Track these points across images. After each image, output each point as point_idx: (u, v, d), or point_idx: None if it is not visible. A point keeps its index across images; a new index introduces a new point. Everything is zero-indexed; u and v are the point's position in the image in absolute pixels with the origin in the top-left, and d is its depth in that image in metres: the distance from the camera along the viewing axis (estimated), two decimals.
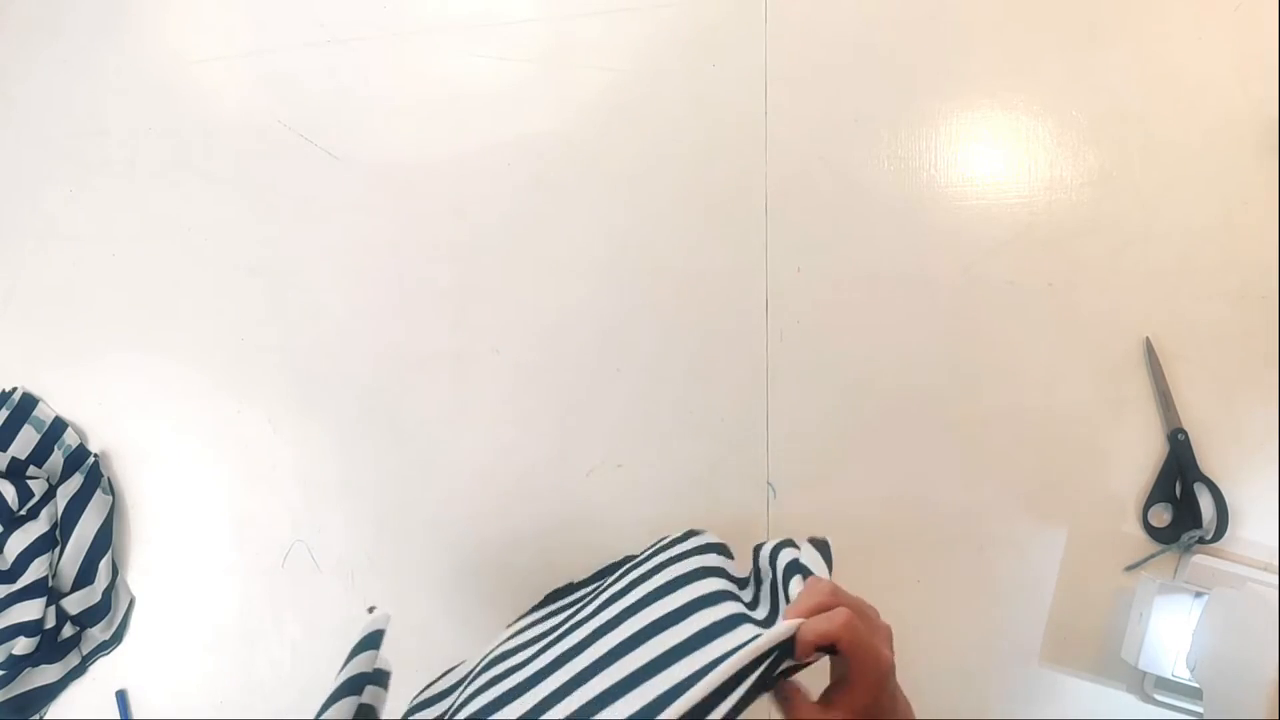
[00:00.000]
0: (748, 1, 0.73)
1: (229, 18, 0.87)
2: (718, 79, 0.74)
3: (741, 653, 0.37)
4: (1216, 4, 0.64)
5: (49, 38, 0.92)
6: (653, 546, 0.58)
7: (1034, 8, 0.68)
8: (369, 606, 0.58)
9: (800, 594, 0.42)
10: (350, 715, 0.48)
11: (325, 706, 0.49)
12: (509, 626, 0.59)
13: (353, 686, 0.50)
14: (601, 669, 0.44)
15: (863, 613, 0.40)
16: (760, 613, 0.47)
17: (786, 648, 0.38)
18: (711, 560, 0.52)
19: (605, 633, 0.47)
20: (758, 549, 0.54)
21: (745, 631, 0.41)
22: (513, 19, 0.79)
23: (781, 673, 0.38)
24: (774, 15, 0.72)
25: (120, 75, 0.90)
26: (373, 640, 0.54)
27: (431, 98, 0.81)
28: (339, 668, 0.53)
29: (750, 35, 0.73)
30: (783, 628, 0.38)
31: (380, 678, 0.53)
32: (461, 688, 0.53)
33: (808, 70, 0.72)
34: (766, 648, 0.37)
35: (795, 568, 0.47)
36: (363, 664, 0.52)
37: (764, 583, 0.51)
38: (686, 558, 0.52)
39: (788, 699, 0.40)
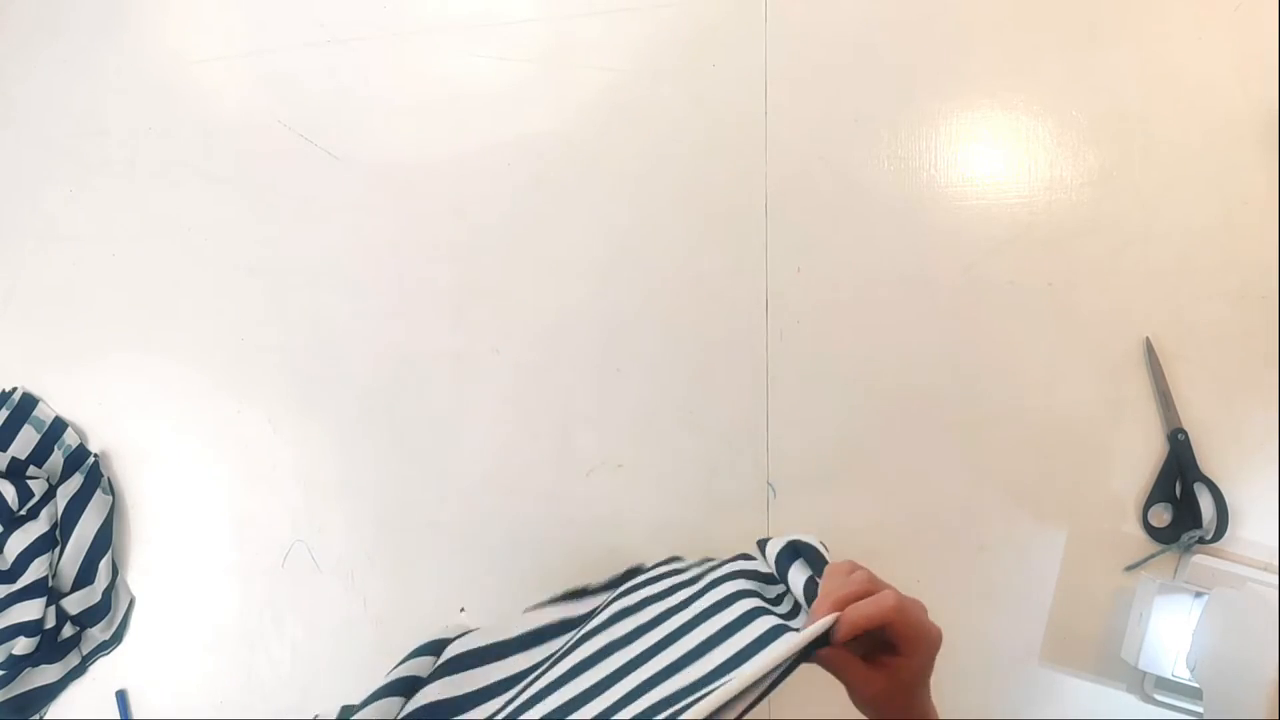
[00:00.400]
0: (748, 1, 0.73)
1: (229, 18, 0.87)
2: (718, 79, 0.74)
3: (780, 650, 0.37)
4: (1216, 4, 0.64)
5: (49, 38, 0.92)
6: (680, 572, 0.57)
7: (1034, 8, 0.68)
8: (460, 608, 0.58)
9: (833, 583, 0.42)
10: (392, 715, 0.48)
11: (368, 701, 0.48)
12: (526, 612, 0.58)
13: (401, 687, 0.50)
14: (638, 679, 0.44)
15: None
16: (783, 607, 0.47)
17: (822, 637, 0.39)
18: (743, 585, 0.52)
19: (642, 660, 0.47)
20: (761, 547, 0.54)
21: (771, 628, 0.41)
22: (513, 19, 0.79)
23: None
24: (774, 15, 0.72)
25: (120, 75, 0.90)
26: (437, 646, 0.54)
27: (431, 98, 0.81)
28: (401, 659, 0.52)
29: (750, 35, 0.73)
30: (822, 623, 0.38)
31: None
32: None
33: (808, 70, 0.72)
34: (805, 643, 0.38)
35: (794, 550, 0.47)
36: (417, 667, 0.52)
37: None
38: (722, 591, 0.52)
39: (836, 662, 0.41)
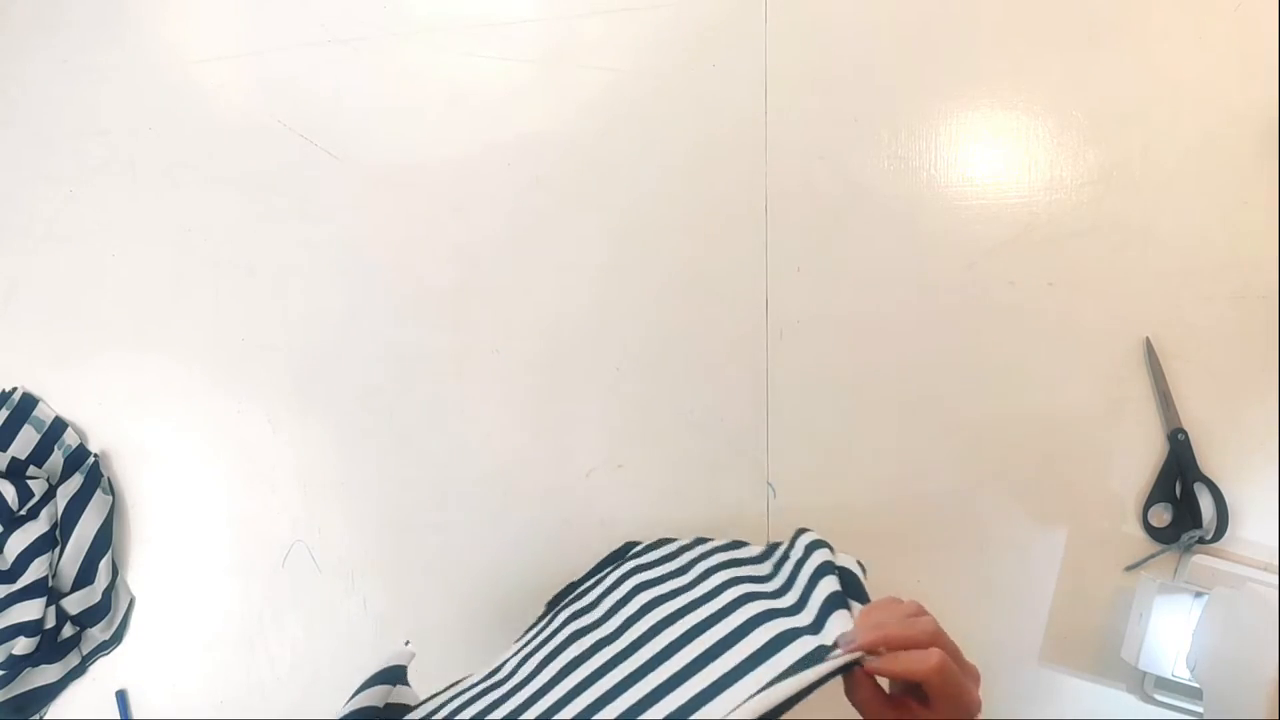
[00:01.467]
0: (748, 1, 0.73)
1: (229, 18, 0.87)
2: (718, 79, 0.74)
3: (805, 674, 0.37)
4: (1216, 4, 0.64)
5: (49, 38, 0.92)
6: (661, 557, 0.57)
7: (1034, 8, 0.68)
8: (405, 640, 0.57)
9: (891, 615, 0.41)
10: None
11: None
12: (516, 641, 0.57)
13: (365, 715, 0.50)
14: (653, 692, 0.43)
15: (956, 654, 0.40)
16: (787, 600, 0.46)
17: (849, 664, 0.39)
18: (738, 572, 0.51)
19: (649, 662, 0.46)
20: (798, 533, 0.53)
21: (803, 645, 0.41)
22: (513, 19, 0.79)
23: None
24: (774, 15, 0.72)
25: (120, 75, 0.90)
26: (393, 674, 0.53)
27: (431, 98, 0.81)
28: (353, 691, 0.52)
29: (750, 35, 0.73)
30: (850, 656, 0.38)
31: (396, 711, 0.53)
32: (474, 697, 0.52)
33: (808, 70, 0.72)
34: (830, 670, 0.38)
35: (830, 569, 0.46)
36: (374, 697, 0.51)
37: (787, 562, 0.50)
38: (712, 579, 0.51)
39: (861, 691, 0.40)
